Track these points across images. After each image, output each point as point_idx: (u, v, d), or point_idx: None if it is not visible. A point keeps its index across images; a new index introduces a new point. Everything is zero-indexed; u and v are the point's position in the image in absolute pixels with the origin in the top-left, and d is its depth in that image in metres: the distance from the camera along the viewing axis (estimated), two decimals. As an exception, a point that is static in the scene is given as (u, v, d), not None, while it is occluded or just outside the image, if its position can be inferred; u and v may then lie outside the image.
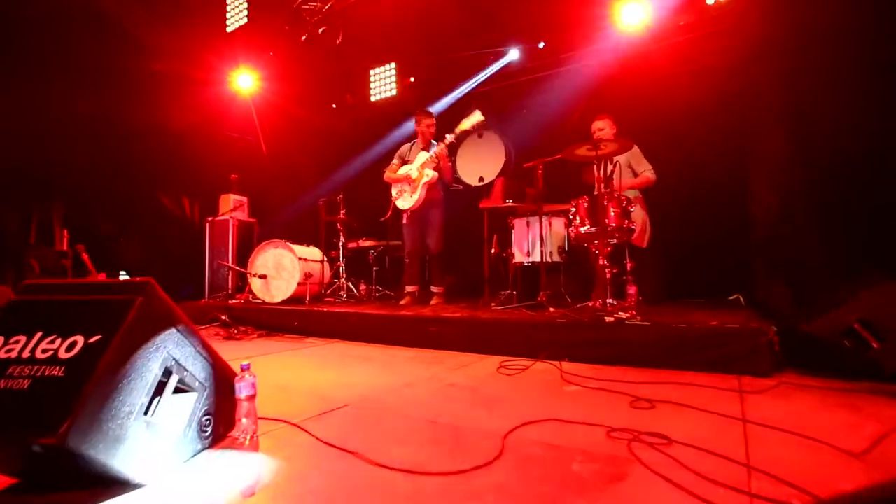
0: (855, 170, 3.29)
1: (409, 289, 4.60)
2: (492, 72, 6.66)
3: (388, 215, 4.77)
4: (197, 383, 1.35)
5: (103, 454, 1.01)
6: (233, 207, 6.50)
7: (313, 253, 5.05)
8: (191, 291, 8.25)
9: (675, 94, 4.95)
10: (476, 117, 4.03)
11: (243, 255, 6.26)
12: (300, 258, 4.70)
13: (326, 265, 5.15)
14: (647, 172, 3.67)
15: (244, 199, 6.76)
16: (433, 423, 1.66)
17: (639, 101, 5.07)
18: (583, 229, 3.16)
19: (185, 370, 1.30)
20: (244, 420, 1.51)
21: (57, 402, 0.97)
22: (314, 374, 2.54)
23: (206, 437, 1.40)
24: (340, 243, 5.28)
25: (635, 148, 3.75)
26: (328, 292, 5.29)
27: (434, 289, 4.49)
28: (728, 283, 4.48)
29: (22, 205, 6.79)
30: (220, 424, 1.46)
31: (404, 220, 4.50)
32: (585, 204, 3.14)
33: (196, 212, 9.29)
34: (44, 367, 1.03)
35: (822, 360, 2.32)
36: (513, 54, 6.46)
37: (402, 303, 4.51)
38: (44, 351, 1.06)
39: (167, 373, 1.23)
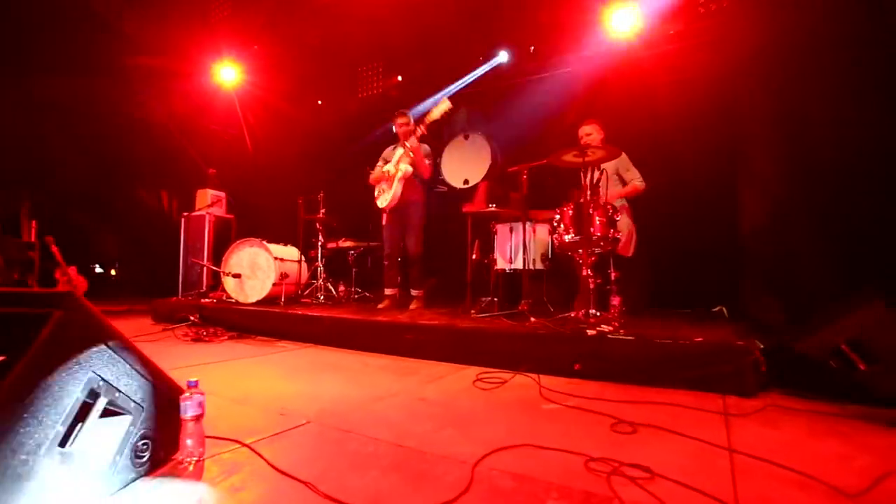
0: (849, 182, 3.25)
1: (388, 292, 4.47)
2: (480, 73, 6.56)
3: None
4: (132, 404, 1.21)
5: (3, 496, 0.86)
6: (210, 203, 6.28)
7: (290, 252, 4.88)
8: (165, 287, 8.01)
9: (665, 101, 4.90)
10: (444, 106, 3.99)
11: (219, 252, 6.04)
12: (276, 258, 4.53)
13: (304, 265, 4.99)
14: (636, 181, 3.60)
15: (222, 194, 6.55)
16: (398, 447, 1.53)
17: (628, 108, 5.02)
18: (567, 237, 3.06)
19: (117, 391, 1.16)
20: (189, 442, 1.36)
21: (-57, 435, 0.83)
22: (278, 385, 2.39)
23: (142, 464, 1.25)
24: (319, 243, 5.12)
25: (623, 155, 3.67)
26: (305, 293, 5.13)
27: (414, 292, 4.37)
28: (712, 293, 4.42)
29: (-15, 194, 6.48)
30: (160, 448, 1.32)
31: (384, 221, 4.38)
32: (570, 212, 3.05)
33: (174, 206, 9.05)
34: (-67, 392, 0.88)
35: (808, 380, 2.25)
36: (502, 56, 6.38)
37: (380, 306, 4.38)
38: (-63, 372, 0.91)
39: (93, 395, 1.09)
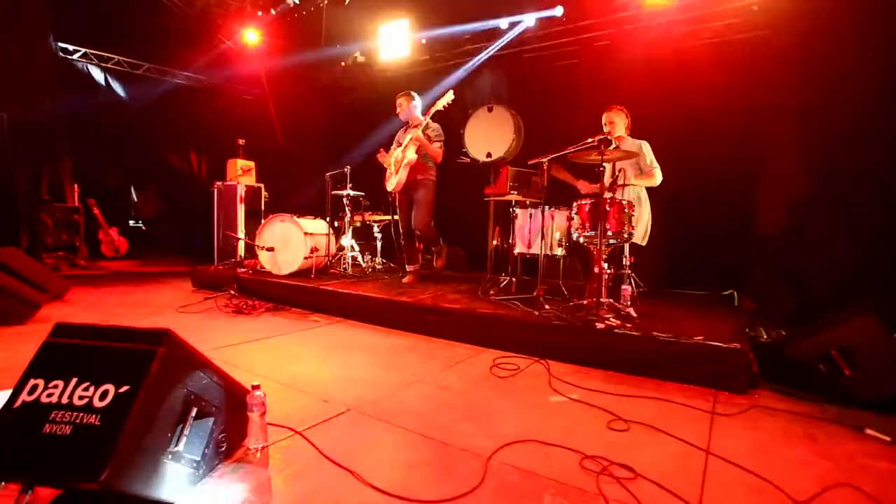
0: (868, 182, 3.31)
1: (409, 268, 4.74)
2: (507, 38, 6.42)
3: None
4: (213, 408, 1.51)
5: (138, 488, 1.17)
6: (240, 173, 6.55)
7: (319, 226, 5.16)
8: (200, 243, 8.47)
9: (693, 80, 4.84)
10: (448, 98, 4.13)
11: (251, 220, 6.39)
12: (307, 233, 4.81)
13: (332, 238, 5.26)
14: (653, 173, 3.67)
15: (251, 164, 6.80)
16: (425, 438, 1.83)
17: (654, 84, 4.97)
18: (583, 233, 3.23)
19: (203, 400, 1.45)
20: (255, 432, 1.68)
21: (95, 448, 1.12)
22: (317, 368, 2.71)
23: (222, 453, 1.57)
24: (346, 218, 5.38)
25: (645, 146, 3.73)
26: (333, 262, 5.42)
27: (408, 267, 4.65)
28: (725, 276, 4.57)
29: (32, 161, 6.86)
30: (234, 439, 1.64)
31: (395, 202, 4.65)
32: (587, 208, 3.20)
33: (203, 167, 9.36)
34: (82, 415, 1.17)
35: (798, 380, 2.46)
36: (529, 20, 6.20)
37: (404, 281, 4.66)
38: (80, 398, 1.20)
39: (188, 406, 1.38)
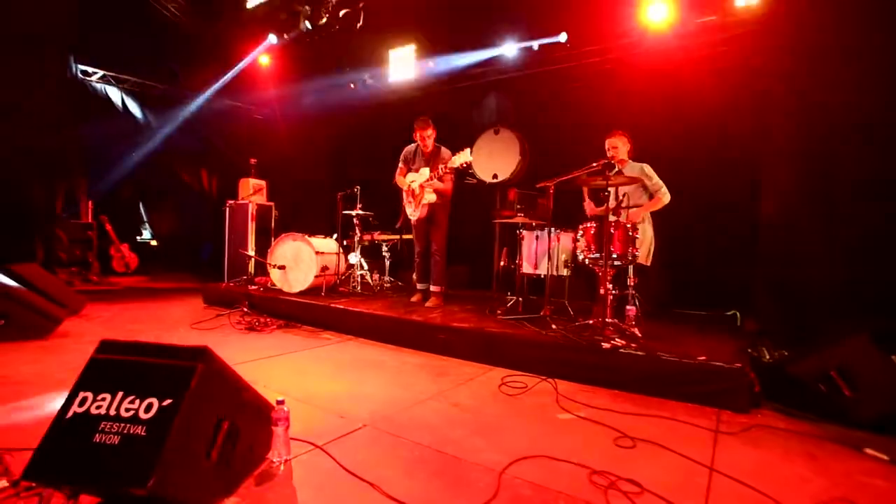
0: (868, 197, 3.41)
1: (419, 287, 4.83)
2: (512, 63, 6.63)
3: (400, 222, 4.96)
4: (243, 422, 1.60)
5: (180, 495, 1.26)
6: (252, 192, 6.71)
7: (329, 245, 5.28)
8: (207, 258, 8.61)
9: (692, 100, 5.00)
10: (465, 156, 4.14)
11: (261, 238, 6.53)
12: (318, 252, 4.93)
13: (342, 256, 5.38)
14: (661, 194, 3.79)
15: (263, 183, 6.96)
16: (439, 453, 1.91)
17: (656, 106, 5.15)
18: (588, 255, 3.33)
19: (235, 414, 1.54)
20: (278, 446, 1.77)
21: (142, 457, 1.22)
22: (332, 384, 2.79)
23: (249, 464, 1.66)
24: (356, 237, 5.50)
25: (646, 167, 3.86)
26: (342, 279, 5.52)
27: (433, 288, 4.65)
28: (728, 296, 4.64)
29: (49, 179, 7.04)
30: (259, 450, 1.72)
31: (413, 223, 4.73)
32: (592, 231, 3.31)
33: (214, 185, 9.55)
34: (129, 426, 1.27)
35: (800, 399, 2.53)
36: (532, 45, 6.41)
37: (413, 299, 4.75)
38: (126, 410, 1.30)
39: (220, 419, 1.47)
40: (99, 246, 8.03)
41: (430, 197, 4.46)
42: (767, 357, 3.23)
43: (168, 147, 8.73)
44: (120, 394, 1.34)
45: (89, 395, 1.35)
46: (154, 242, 10.19)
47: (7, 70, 6.06)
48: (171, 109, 8.46)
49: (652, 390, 2.69)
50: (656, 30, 5.30)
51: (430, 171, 4.42)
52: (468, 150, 4.17)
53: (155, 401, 1.31)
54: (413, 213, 4.64)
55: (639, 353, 2.80)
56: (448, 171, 4.37)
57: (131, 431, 1.26)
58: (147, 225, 10.28)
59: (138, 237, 9.97)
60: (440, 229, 4.59)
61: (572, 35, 6.02)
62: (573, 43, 6.08)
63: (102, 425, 1.28)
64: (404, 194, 4.74)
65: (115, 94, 8.03)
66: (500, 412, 2.42)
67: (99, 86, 7.88)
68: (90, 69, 7.70)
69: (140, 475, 1.18)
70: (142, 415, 1.29)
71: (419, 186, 4.52)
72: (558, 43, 6.15)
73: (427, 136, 4.52)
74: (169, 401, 1.31)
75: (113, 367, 1.41)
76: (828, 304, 3.55)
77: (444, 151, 4.45)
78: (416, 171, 4.60)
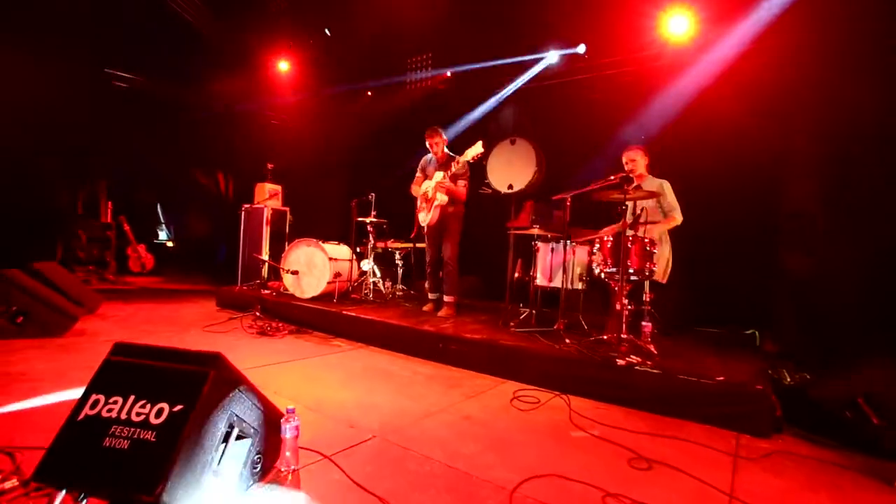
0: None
1: (431, 296, 4.81)
2: (530, 75, 6.65)
3: (414, 233, 4.95)
4: (252, 430, 1.58)
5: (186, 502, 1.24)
6: (268, 196, 6.76)
7: (343, 252, 5.29)
8: (222, 261, 8.68)
9: (712, 113, 4.93)
10: (476, 149, 4.21)
11: (275, 242, 6.57)
12: (331, 258, 4.94)
13: (355, 263, 5.38)
14: (674, 214, 3.73)
15: (278, 188, 7.02)
16: (449, 468, 1.87)
17: (675, 120, 5.09)
18: (605, 269, 3.28)
19: (244, 421, 1.53)
20: (287, 455, 1.74)
21: (151, 464, 1.20)
22: (342, 393, 2.77)
23: (257, 473, 1.64)
24: (370, 245, 5.50)
25: (665, 184, 3.81)
26: (355, 286, 5.52)
27: (446, 298, 4.59)
28: (747, 315, 4.54)
29: (72, 180, 7.20)
30: (268, 460, 1.70)
31: (425, 231, 4.72)
32: (609, 244, 3.26)
33: (230, 188, 9.68)
34: (139, 430, 1.26)
35: (824, 426, 2.44)
36: (552, 57, 6.42)
37: (425, 308, 4.73)
38: (137, 414, 1.29)
39: (230, 426, 1.46)
40: (116, 246, 8.17)
41: (442, 198, 4.45)
42: (788, 379, 3.13)
43: (187, 150, 8.88)
44: (132, 397, 1.33)
45: (101, 397, 1.34)
46: (170, 244, 10.34)
47: (36, 70, 6.22)
48: (191, 113, 8.61)
49: (668, 410, 2.62)
50: (677, 42, 5.27)
51: (444, 173, 4.44)
52: (480, 142, 4.21)
53: (166, 406, 1.30)
54: (425, 217, 4.62)
55: (655, 370, 2.74)
56: (462, 171, 4.40)
57: (141, 437, 1.25)
58: (164, 226, 10.44)
59: (155, 239, 10.12)
60: (452, 238, 4.56)
61: (591, 46, 6.02)
62: (591, 54, 6.07)
63: (113, 429, 1.27)
64: (418, 202, 4.74)
65: (137, 97, 8.19)
66: (512, 427, 2.37)
67: (123, 86, 8.04)
68: (115, 72, 7.87)
69: (148, 482, 1.17)
70: (152, 420, 1.28)
71: (433, 188, 4.53)
72: (576, 54, 6.16)
73: (436, 144, 4.62)
74: (180, 406, 1.29)
75: (126, 370, 1.40)
76: (854, 325, 3.45)
77: (457, 158, 4.46)
78: (431, 178, 4.61)
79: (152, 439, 1.24)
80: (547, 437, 2.27)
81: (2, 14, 6.14)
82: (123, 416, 1.29)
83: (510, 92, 6.77)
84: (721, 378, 2.57)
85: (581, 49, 6.08)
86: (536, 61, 6.53)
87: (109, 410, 1.31)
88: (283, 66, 8.03)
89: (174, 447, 1.21)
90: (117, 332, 3.96)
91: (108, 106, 7.74)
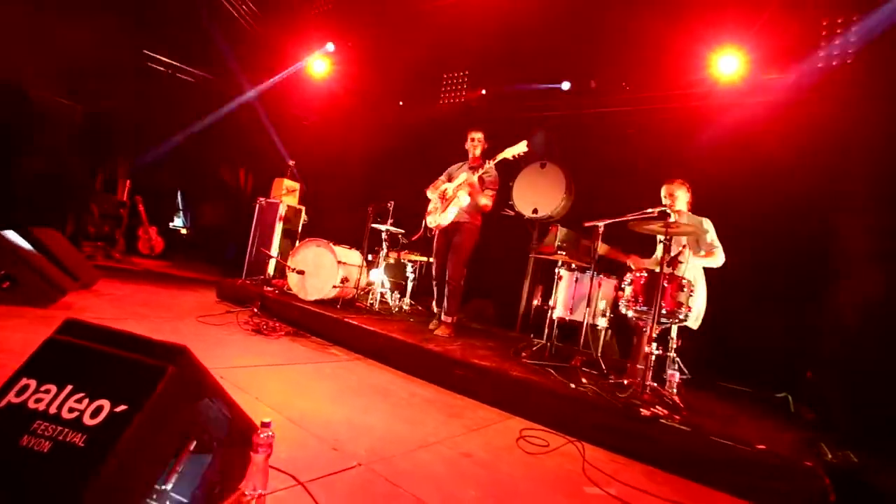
0: None
1: (437, 310, 4.51)
2: (566, 99, 6.46)
3: (418, 235, 4.67)
4: (214, 443, 1.31)
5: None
6: (285, 192, 6.60)
7: (353, 257, 5.05)
8: (232, 255, 8.52)
9: (755, 156, 4.65)
10: (520, 147, 3.91)
11: (286, 240, 6.37)
12: (340, 262, 4.70)
13: (364, 270, 5.13)
14: (716, 253, 3.43)
15: (297, 185, 6.86)
16: (443, 517, 1.58)
17: (712, 159, 4.80)
18: (634, 307, 2.99)
19: (206, 432, 1.27)
20: (255, 476, 1.46)
21: (73, 476, 0.95)
22: (331, 408, 2.49)
23: (215, 495, 1.36)
24: (382, 253, 5.26)
25: (707, 222, 3.52)
26: (361, 294, 5.26)
27: (444, 318, 4.25)
28: (777, 374, 4.18)
29: (92, 155, 7.14)
30: (230, 479, 1.43)
31: (432, 233, 4.40)
32: (643, 280, 2.97)
33: (249, 183, 9.60)
34: (67, 431, 1.01)
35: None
36: (589, 85, 6.25)
37: (431, 326, 4.41)
38: (70, 410, 1.04)
39: (186, 438, 1.20)
40: (128, 225, 8.06)
41: (465, 198, 4.08)
42: (829, 456, 2.78)
43: (212, 140, 8.83)
44: (68, 388, 1.08)
45: (32, 382, 1.09)
46: (184, 231, 10.24)
47: (80, 40, 6.17)
48: (220, 103, 8.57)
49: (696, 474, 2.29)
50: (727, 82, 5.04)
51: (472, 172, 4.15)
52: (524, 142, 3.90)
53: (107, 404, 1.04)
54: (436, 218, 4.25)
55: (683, 427, 2.42)
56: (492, 179, 4.11)
57: (67, 438, 0.99)
58: (181, 213, 10.37)
59: (170, 223, 10.03)
60: (460, 254, 4.18)
61: (631, 80, 5.84)
62: (633, 87, 5.88)
63: (36, 425, 1.02)
64: (432, 200, 4.43)
65: (171, 81, 8.20)
66: (517, 473, 2.07)
67: (160, 69, 8.05)
68: (151, 53, 7.89)
69: (64, 497, 0.91)
70: (86, 419, 1.02)
71: (454, 188, 4.20)
72: (616, 85, 5.99)
73: (476, 141, 4.30)
74: (123, 407, 1.04)
75: (69, 353, 1.16)
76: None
77: (491, 167, 4.13)
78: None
79: (80, 444, 0.99)
80: (556, 490, 1.96)
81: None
82: (52, 410, 1.04)
83: (544, 115, 6.58)
84: (762, 447, 2.24)
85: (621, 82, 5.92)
86: (574, 88, 6.36)
87: (38, 401, 1.06)
88: (320, 66, 7.96)
89: (103, 459, 0.96)
90: (106, 310, 3.74)
91: (141, 86, 7.73)
